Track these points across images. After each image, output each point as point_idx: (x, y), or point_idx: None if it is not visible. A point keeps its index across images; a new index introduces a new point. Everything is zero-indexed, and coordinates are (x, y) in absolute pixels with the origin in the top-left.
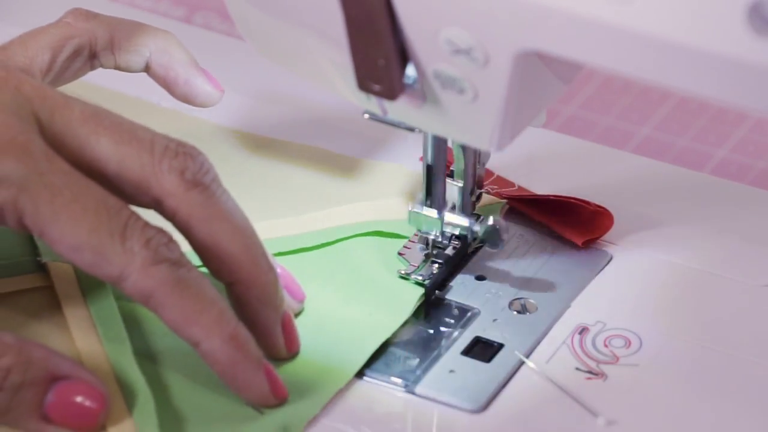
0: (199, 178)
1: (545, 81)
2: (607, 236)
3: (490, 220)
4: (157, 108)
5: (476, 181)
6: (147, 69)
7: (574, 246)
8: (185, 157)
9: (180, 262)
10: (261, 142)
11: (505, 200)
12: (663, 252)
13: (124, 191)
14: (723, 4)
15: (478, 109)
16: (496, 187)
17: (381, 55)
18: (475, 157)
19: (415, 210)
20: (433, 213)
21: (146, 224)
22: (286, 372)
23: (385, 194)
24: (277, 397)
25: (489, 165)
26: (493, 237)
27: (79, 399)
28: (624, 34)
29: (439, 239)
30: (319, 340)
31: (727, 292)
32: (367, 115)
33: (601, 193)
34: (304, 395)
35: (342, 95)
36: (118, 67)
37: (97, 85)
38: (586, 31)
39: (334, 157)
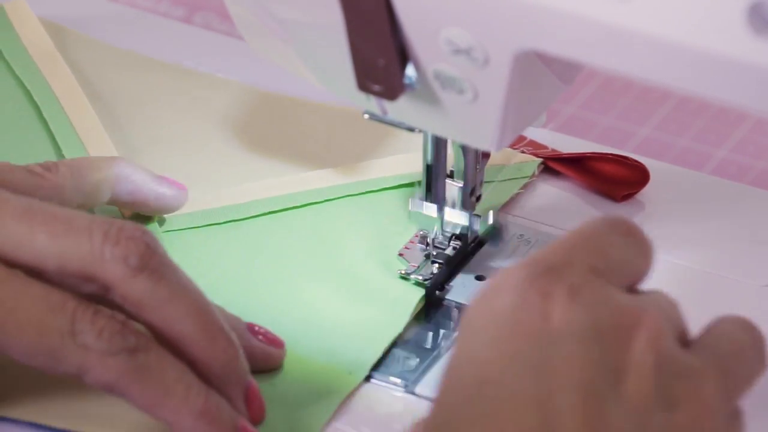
0: (145, 262)
1: (545, 81)
2: None
3: (490, 219)
4: (193, 72)
5: (476, 181)
6: (113, 200)
7: None
8: (127, 243)
9: (137, 347)
10: (293, 103)
11: (540, 159)
12: (663, 252)
13: (69, 284)
14: (723, 4)
15: (478, 109)
16: (530, 148)
17: (381, 55)
18: (475, 157)
19: (415, 208)
20: (432, 211)
21: (96, 312)
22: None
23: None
24: None
25: None
26: (492, 235)
27: None
28: (624, 34)
29: (439, 238)
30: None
31: (727, 292)
32: (367, 115)
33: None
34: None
35: (342, 95)
36: (82, 207)
37: (135, 52)
38: (586, 31)
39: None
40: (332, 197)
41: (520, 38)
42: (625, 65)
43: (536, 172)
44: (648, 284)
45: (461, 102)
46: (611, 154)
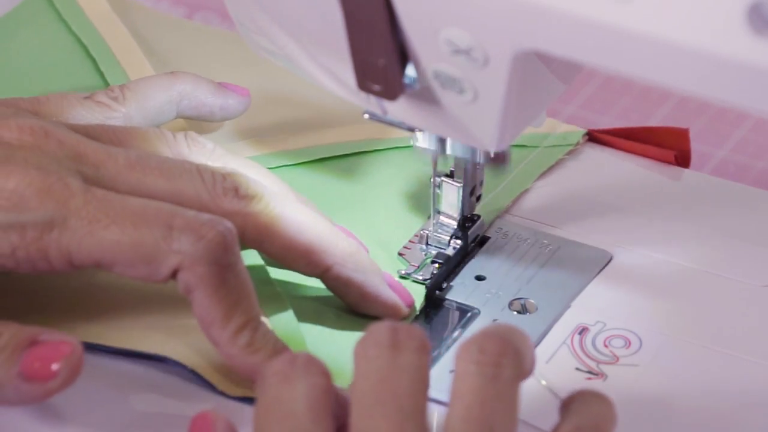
0: (254, 189)
1: (545, 81)
2: (606, 236)
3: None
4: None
5: (476, 181)
6: (178, 116)
7: (574, 246)
8: (232, 178)
9: (229, 264)
10: None
11: (585, 130)
12: (663, 252)
13: None
14: (723, 4)
15: (478, 109)
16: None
17: (381, 55)
18: (474, 157)
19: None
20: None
21: (193, 218)
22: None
23: None
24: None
25: None
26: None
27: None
28: (624, 34)
29: (440, 234)
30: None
31: (727, 292)
32: (367, 115)
33: (601, 193)
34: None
35: (342, 95)
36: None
37: (189, 21)
38: (586, 31)
39: None
40: (378, 149)
41: (520, 38)
42: (625, 65)
43: (581, 141)
44: (649, 285)
45: (461, 102)
46: (656, 126)
